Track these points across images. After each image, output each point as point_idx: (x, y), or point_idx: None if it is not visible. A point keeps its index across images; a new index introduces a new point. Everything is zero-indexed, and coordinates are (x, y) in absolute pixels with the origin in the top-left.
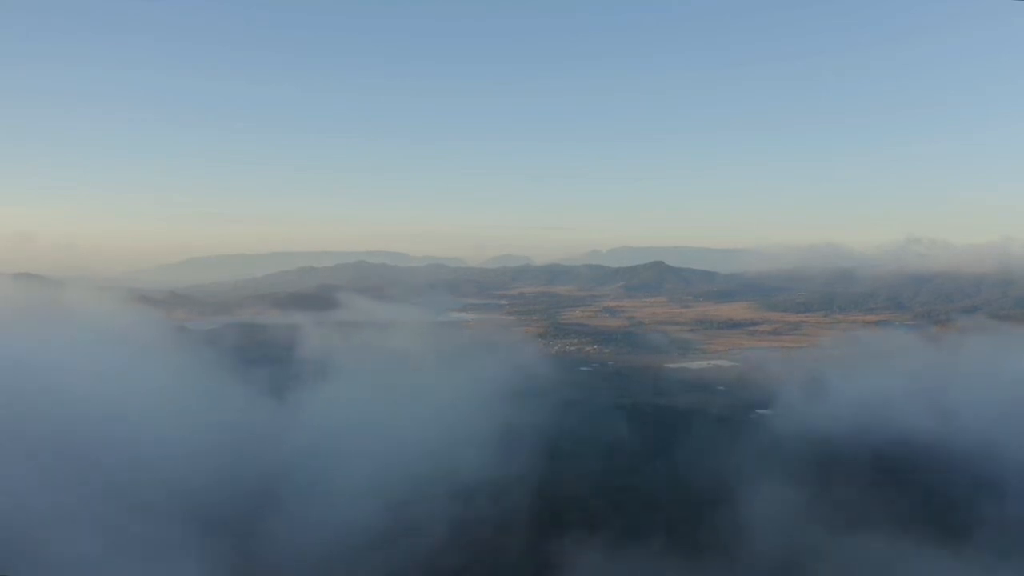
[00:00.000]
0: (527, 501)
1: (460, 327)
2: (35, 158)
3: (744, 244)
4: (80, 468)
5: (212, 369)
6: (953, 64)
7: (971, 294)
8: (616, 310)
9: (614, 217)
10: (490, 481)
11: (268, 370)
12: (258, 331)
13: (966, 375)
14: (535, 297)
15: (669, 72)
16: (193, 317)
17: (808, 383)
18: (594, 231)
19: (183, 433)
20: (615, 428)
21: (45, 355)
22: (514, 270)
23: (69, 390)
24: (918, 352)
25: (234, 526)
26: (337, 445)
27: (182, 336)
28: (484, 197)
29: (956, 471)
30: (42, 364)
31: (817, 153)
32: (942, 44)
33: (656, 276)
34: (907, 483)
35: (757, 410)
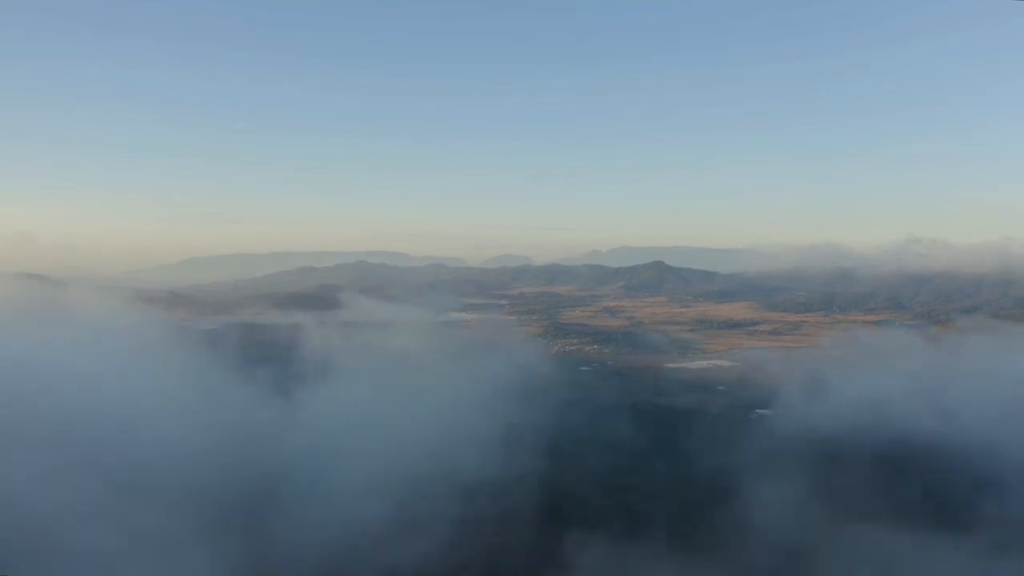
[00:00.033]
0: (528, 500)
1: (460, 327)
2: (35, 158)
3: (744, 244)
4: (80, 468)
5: (212, 369)
6: (953, 64)
7: (971, 294)
8: (616, 310)
9: (614, 217)
10: (491, 481)
11: (268, 370)
12: (258, 331)
13: (966, 375)
14: (535, 297)
15: (669, 72)
16: (193, 317)
17: (808, 383)
18: (594, 231)
19: (183, 433)
20: (615, 428)
21: (45, 355)
22: (514, 270)
23: (69, 390)
24: (918, 352)
25: (234, 526)
26: (338, 445)
27: (182, 336)
28: (484, 197)
29: (956, 471)
30: (42, 364)
31: (817, 153)
32: (942, 44)
33: (656, 276)
34: (907, 483)
35: (757, 410)
